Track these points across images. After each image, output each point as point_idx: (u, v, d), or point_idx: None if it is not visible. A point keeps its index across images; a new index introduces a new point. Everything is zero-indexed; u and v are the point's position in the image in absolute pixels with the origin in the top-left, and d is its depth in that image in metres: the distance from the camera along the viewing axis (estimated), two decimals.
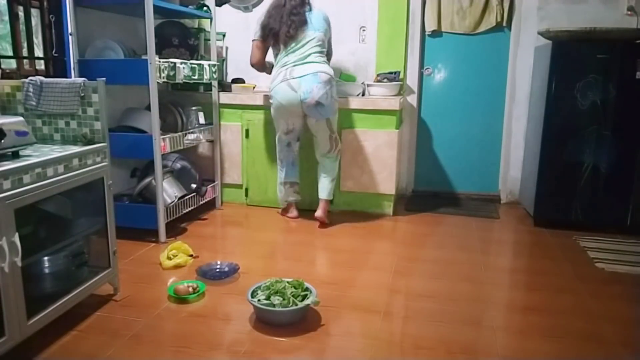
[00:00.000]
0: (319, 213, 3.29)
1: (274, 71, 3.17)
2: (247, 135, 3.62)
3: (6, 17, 2.57)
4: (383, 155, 3.42)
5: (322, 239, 3.10)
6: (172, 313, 2.11)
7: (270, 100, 3.19)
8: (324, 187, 3.31)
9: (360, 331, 1.99)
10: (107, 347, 1.83)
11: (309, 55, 3.06)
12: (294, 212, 3.44)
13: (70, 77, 2.74)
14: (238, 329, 1.99)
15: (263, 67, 3.30)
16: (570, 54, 3.13)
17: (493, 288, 2.41)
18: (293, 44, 3.07)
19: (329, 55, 3.30)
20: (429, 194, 4.14)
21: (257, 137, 3.60)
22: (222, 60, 3.75)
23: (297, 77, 3.02)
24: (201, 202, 3.36)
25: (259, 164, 3.64)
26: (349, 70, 3.76)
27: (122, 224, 2.53)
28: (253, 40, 3.23)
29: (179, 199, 3.00)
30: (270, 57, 3.29)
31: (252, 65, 3.30)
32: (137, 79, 2.73)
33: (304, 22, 3.07)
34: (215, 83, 3.45)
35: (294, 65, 3.05)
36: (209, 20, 3.44)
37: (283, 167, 3.35)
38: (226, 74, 3.85)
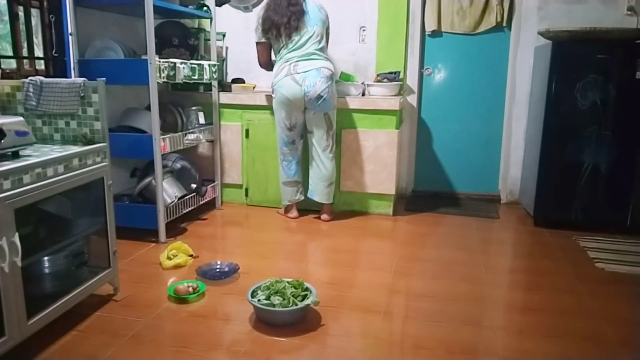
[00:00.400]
0: (325, 217, 3.38)
1: (276, 66, 3.19)
2: (247, 135, 3.62)
3: (6, 17, 2.57)
4: (383, 155, 3.42)
5: (322, 239, 3.10)
6: (172, 313, 2.11)
7: (273, 95, 3.22)
8: (324, 193, 3.32)
9: (360, 331, 1.99)
10: (107, 347, 1.83)
11: (312, 53, 3.12)
12: (294, 213, 3.44)
13: (70, 77, 2.74)
14: (238, 329, 1.99)
15: (272, 66, 3.31)
16: (570, 54, 3.13)
17: (493, 288, 2.41)
18: (296, 38, 3.12)
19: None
20: (429, 194, 4.14)
21: (257, 137, 3.59)
22: (222, 60, 3.75)
23: (302, 72, 3.08)
24: (201, 202, 3.35)
25: (259, 164, 3.64)
26: (349, 70, 3.75)
27: (122, 224, 2.53)
28: (257, 43, 3.26)
29: (179, 199, 3.00)
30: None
31: (261, 66, 3.35)
32: (137, 79, 2.73)
33: (302, 13, 3.13)
34: (215, 83, 3.45)
35: (298, 61, 3.11)
36: (209, 20, 3.44)
37: (287, 166, 3.35)
38: (226, 74, 3.85)
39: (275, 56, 3.25)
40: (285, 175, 3.37)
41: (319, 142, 3.25)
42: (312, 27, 3.14)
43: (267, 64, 3.31)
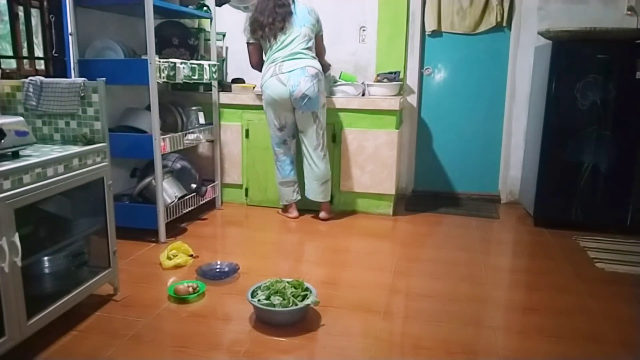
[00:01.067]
0: (324, 215, 3.37)
1: (264, 67, 3.20)
2: (247, 135, 3.62)
3: (6, 17, 2.56)
4: (383, 155, 3.42)
5: (322, 239, 3.10)
6: (172, 313, 2.11)
7: (262, 96, 3.23)
8: (319, 191, 3.31)
9: (360, 331, 1.99)
10: (107, 347, 1.83)
11: (297, 52, 3.11)
12: (294, 212, 3.44)
13: (70, 77, 2.74)
14: (238, 329, 1.99)
15: (262, 66, 3.31)
16: (570, 54, 3.13)
17: (493, 288, 2.41)
18: (282, 38, 3.11)
19: (320, 52, 3.29)
20: (429, 194, 4.14)
21: (257, 137, 3.59)
22: (222, 60, 3.75)
23: (286, 71, 3.08)
24: (201, 202, 3.35)
25: (259, 164, 3.64)
26: (349, 70, 3.75)
27: (122, 224, 2.52)
28: (247, 44, 3.27)
29: (179, 199, 3.00)
30: None
31: (253, 67, 3.35)
32: (137, 79, 2.73)
33: (289, 14, 3.12)
34: (215, 83, 3.45)
35: (283, 61, 3.10)
36: (209, 20, 3.44)
37: (281, 166, 3.35)
38: (226, 74, 3.85)
39: (265, 57, 3.25)
40: (280, 176, 3.37)
41: (310, 141, 3.24)
42: (300, 27, 3.13)
43: (258, 65, 3.30)
